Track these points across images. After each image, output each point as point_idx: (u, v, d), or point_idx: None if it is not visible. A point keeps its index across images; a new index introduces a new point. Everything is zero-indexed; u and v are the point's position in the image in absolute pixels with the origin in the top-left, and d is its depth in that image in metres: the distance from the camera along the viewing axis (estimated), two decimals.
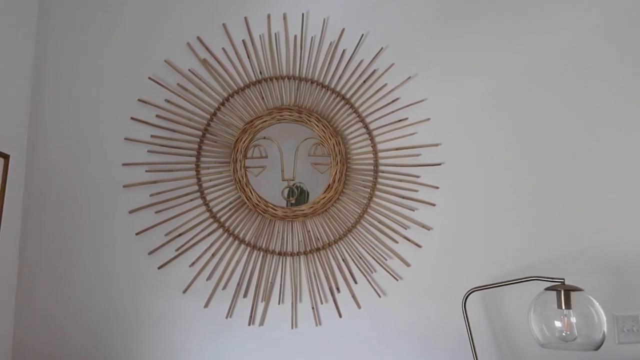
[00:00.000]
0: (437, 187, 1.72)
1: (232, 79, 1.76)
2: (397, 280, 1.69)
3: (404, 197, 1.71)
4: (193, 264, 1.69)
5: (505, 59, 1.78)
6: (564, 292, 1.45)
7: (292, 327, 1.67)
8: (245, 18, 1.79)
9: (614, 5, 1.79)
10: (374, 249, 1.70)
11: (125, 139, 1.75)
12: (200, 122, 1.74)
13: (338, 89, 1.76)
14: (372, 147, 1.73)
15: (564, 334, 1.45)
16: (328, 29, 1.79)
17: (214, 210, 1.72)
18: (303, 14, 1.79)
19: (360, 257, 1.70)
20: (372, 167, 1.73)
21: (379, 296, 1.68)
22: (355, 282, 1.69)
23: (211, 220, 1.71)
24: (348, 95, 1.75)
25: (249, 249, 1.71)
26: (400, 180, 1.72)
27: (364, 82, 1.75)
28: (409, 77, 1.76)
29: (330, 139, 1.71)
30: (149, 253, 1.69)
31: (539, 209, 1.71)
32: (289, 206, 1.71)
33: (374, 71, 1.76)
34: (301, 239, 1.71)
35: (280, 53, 1.78)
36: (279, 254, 1.70)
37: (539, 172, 1.72)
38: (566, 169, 1.72)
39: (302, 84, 1.76)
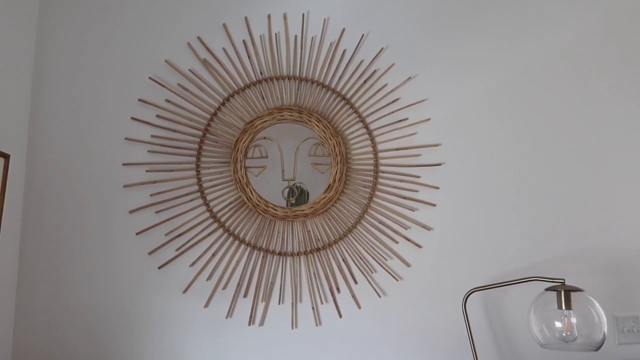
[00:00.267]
0: (438, 188, 1.72)
1: (233, 79, 1.76)
2: (397, 280, 1.69)
3: (404, 198, 1.71)
4: (193, 263, 1.69)
5: (506, 59, 1.78)
6: (564, 292, 1.45)
7: (292, 327, 1.67)
8: (246, 18, 1.79)
9: (614, 5, 1.79)
10: (374, 249, 1.70)
11: (126, 138, 1.75)
12: (201, 122, 1.74)
13: (338, 89, 1.76)
14: (372, 147, 1.73)
15: (564, 334, 1.44)
16: (328, 29, 1.79)
17: (214, 210, 1.72)
18: (303, 14, 1.79)
19: (361, 257, 1.70)
20: (372, 167, 1.73)
21: (379, 296, 1.68)
22: (356, 282, 1.69)
23: (211, 220, 1.71)
24: (348, 96, 1.75)
25: (249, 249, 1.71)
26: (401, 181, 1.72)
27: (365, 82, 1.75)
28: (409, 78, 1.76)
29: (330, 139, 1.71)
30: (149, 253, 1.69)
31: (539, 209, 1.71)
32: (289, 206, 1.70)
33: (375, 71, 1.76)
34: (301, 239, 1.71)
35: (281, 53, 1.78)
36: (279, 254, 1.70)
37: (539, 172, 1.72)
38: (566, 169, 1.72)
39: (302, 84, 1.76)
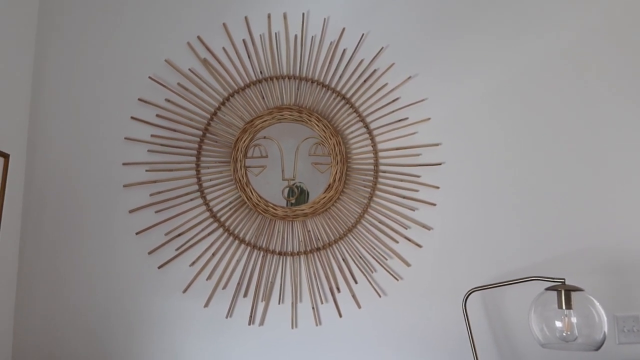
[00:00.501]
0: (438, 187, 1.72)
1: (233, 79, 1.76)
2: (397, 280, 1.68)
3: (404, 197, 1.71)
4: (193, 263, 1.69)
5: (506, 59, 1.78)
6: (565, 292, 1.45)
7: (292, 327, 1.67)
8: (246, 18, 1.79)
9: (614, 5, 1.79)
10: (374, 249, 1.70)
11: (126, 138, 1.75)
12: (201, 122, 1.74)
13: (338, 88, 1.75)
14: (372, 146, 1.73)
15: (564, 334, 1.44)
16: (328, 28, 1.79)
17: (214, 209, 1.72)
18: (303, 14, 1.79)
19: (361, 257, 1.70)
20: (372, 167, 1.73)
21: (379, 296, 1.68)
22: (356, 282, 1.69)
23: (211, 219, 1.71)
24: (348, 95, 1.75)
25: (249, 248, 1.71)
26: (401, 180, 1.72)
27: (365, 81, 1.75)
28: (409, 77, 1.76)
29: (330, 138, 1.71)
30: (149, 253, 1.69)
31: (539, 208, 1.70)
32: (289, 206, 1.70)
33: (374, 71, 1.76)
34: (301, 239, 1.71)
35: (281, 53, 1.78)
36: (279, 253, 1.70)
37: (539, 172, 1.72)
38: (566, 169, 1.72)
39: (302, 83, 1.76)
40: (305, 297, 1.68)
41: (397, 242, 1.70)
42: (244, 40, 1.78)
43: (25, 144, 1.75)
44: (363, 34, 1.78)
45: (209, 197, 1.72)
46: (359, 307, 1.68)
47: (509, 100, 1.76)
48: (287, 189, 1.71)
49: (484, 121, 1.75)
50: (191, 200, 1.71)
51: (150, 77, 1.76)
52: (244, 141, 1.72)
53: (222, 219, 1.71)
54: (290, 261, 1.70)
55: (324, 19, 1.79)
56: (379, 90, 1.75)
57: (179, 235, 1.70)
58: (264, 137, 1.73)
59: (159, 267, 1.69)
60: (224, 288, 1.68)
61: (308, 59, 1.77)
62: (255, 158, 1.72)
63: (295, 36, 1.78)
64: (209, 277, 1.69)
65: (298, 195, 1.72)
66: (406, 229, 1.70)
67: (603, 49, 1.77)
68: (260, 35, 1.79)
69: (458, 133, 1.74)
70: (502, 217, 1.70)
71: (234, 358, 1.65)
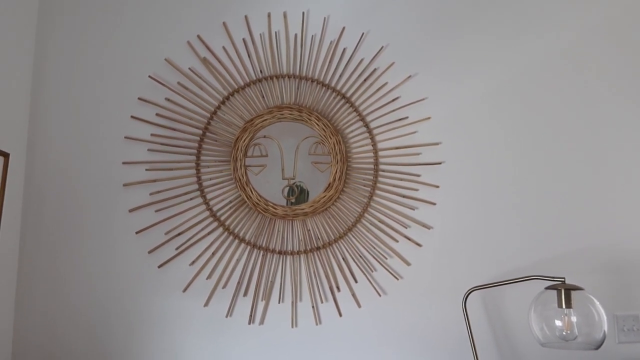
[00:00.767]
0: (438, 186, 1.72)
1: (233, 78, 1.76)
2: (397, 279, 1.68)
3: (404, 196, 1.71)
4: (193, 262, 1.69)
5: (506, 58, 1.78)
6: (565, 291, 1.45)
7: (292, 326, 1.67)
8: (246, 17, 1.79)
9: (614, 5, 1.79)
10: (374, 248, 1.70)
11: (126, 137, 1.74)
12: (201, 121, 1.74)
13: (338, 87, 1.76)
14: (372, 145, 1.73)
15: (564, 333, 1.44)
16: (328, 27, 1.79)
17: (214, 209, 1.72)
18: (303, 13, 1.79)
19: (361, 256, 1.70)
20: (372, 166, 1.73)
21: (379, 295, 1.68)
22: (356, 281, 1.68)
23: (211, 219, 1.71)
24: (348, 94, 1.75)
25: (249, 247, 1.70)
26: (401, 179, 1.72)
27: (364, 80, 1.75)
28: (409, 76, 1.76)
29: (330, 137, 1.71)
30: (149, 252, 1.69)
31: (539, 208, 1.70)
32: (289, 205, 1.70)
33: (374, 70, 1.76)
34: (301, 238, 1.71)
35: (281, 52, 1.78)
36: (279, 252, 1.70)
37: (539, 171, 1.72)
38: (566, 169, 1.72)
39: (302, 82, 1.76)
40: (305, 296, 1.68)
41: (397, 241, 1.70)
42: (244, 40, 1.78)
43: (25, 143, 1.75)
44: (363, 33, 1.78)
45: (208, 196, 1.72)
46: (359, 306, 1.67)
47: (509, 100, 1.76)
48: (287, 188, 1.71)
49: (484, 120, 1.75)
50: (191, 199, 1.71)
51: (150, 76, 1.76)
52: (244, 140, 1.72)
53: (222, 218, 1.71)
54: (290, 260, 1.70)
55: (324, 18, 1.79)
56: (379, 89, 1.75)
57: (179, 234, 1.70)
58: (264, 136, 1.73)
59: (158, 267, 1.69)
60: (224, 287, 1.68)
61: (308, 58, 1.77)
62: (255, 157, 1.72)
63: (295, 35, 1.78)
64: (209, 277, 1.68)
65: (298, 194, 1.71)
66: (406, 228, 1.70)
67: (603, 49, 1.77)
68: (260, 35, 1.79)
69: (458, 132, 1.74)
70: (502, 217, 1.70)
71: (234, 357, 1.65)
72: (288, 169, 1.72)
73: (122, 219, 1.71)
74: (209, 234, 1.70)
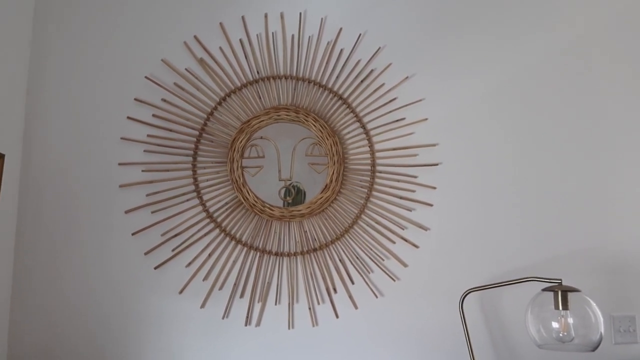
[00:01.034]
0: (435, 188, 1.71)
1: (229, 79, 1.76)
2: (394, 280, 1.68)
3: (401, 198, 1.71)
4: (189, 264, 1.69)
5: (503, 59, 1.77)
6: (561, 292, 1.45)
7: (289, 328, 1.67)
8: (243, 17, 1.79)
9: (614, 4, 1.79)
10: (371, 249, 1.69)
11: (122, 138, 1.74)
12: (197, 122, 1.74)
13: (335, 88, 1.75)
14: (369, 147, 1.73)
15: (561, 334, 1.44)
16: (325, 28, 1.78)
17: (211, 210, 1.71)
18: (300, 14, 1.78)
19: (357, 258, 1.69)
20: (369, 167, 1.73)
21: (376, 297, 1.68)
22: (352, 283, 1.68)
23: (208, 220, 1.70)
24: (345, 95, 1.75)
25: (245, 249, 1.70)
26: (398, 181, 1.72)
27: (362, 81, 1.75)
28: (407, 77, 1.76)
29: (327, 138, 1.71)
30: (145, 253, 1.69)
31: (536, 209, 1.71)
32: (286, 206, 1.70)
33: (372, 71, 1.76)
34: (298, 240, 1.70)
35: (278, 52, 1.77)
36: (276, 254, 1.70)
37: (536, 173, 1.72)
38: (564, 170, 1.72)
39: (299, 83, 1.76)
40: (301, 298, 1.68)
41: (394, 242, 1.69)
42: (240, 40, 1.77)
43: (20, 143, 1.74)
44: (360, 34, 1.77)
45: (205, 197, 1.72)
46: (356, 307, 1.67)
47: (506, 101, 1.76)
48: (284, 189, 1.71)
49: (481, 121, 1.75)
50: (187, 200, 1.71)
51: (146, 77, 1.75)
52: (241, 141, 1.71)
53: (219, 220, 1.71)
54: (287, 262, 1.70)
55: (321, 18, 1.78)
56: (376, 90, 1.75)
57: (176, 235, 1.69)
58: (261, 137, 1.73)
59: (155, 268, 1.68)
60: (220, 289, 1.68)
61: (305, 59, 1.76)
62: (252, 158, 1.72)
63: (292, 36, 1.77)
64: (205, 278, 1.68)
65: (295, 195, 1.71)
66: (403, 229, 1.70)
67: (602, 50, 1.78)
68: (257, 35, 1.78)
69: (455, 133, 1.74)
70: (499, 218, 1.70)
71: (230, 359, 1.65)
72: (285, 170, 1.71)
73: (118, 220, 1.70)
74: (205, 235, 1.70)
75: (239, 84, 1.75)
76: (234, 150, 1.71)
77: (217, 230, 1.70)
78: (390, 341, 1.66)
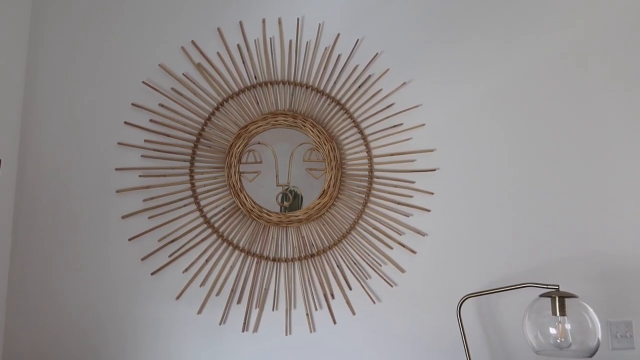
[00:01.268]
0: (432, 193, 1.72)
1: (227, 84, 1.76)
2: (391, 286, 1.68)
3: (398, 203, 1.71)
4: (186, 269, 1.68)
5: (501, 65, 1.78)
6: (559, 298, 1.45)
7: (287, 334, 1.66)
8: (240, 22, 1.79)
9: (612, 9, 1.80)
10: (369, 255, 1.69)
11: (119, 143, 1.73)
12: (195, 127, 1.73)
13: (333, 94, 1.75)
14: (367, 152, 1.73)
15: (558, 340, 1.45)
16: (323, 34, 1.78)
17: (208, 215, 1.71)
18: (298, 19, 1.79)
19: (355, 263, 1.69)
20: (367, 173, 1.73)
21: (374, 302, 1.67)
22: (350, 288, 1.68)
23: (205, 225, 1.70)
24: (343, 101, 1.75)
25: (243, 254, 1.70)
26: (395, 186, 1.72)
27: (359, 87, 1.75)
28: (404, 83, 1.76)
29: (325, 144, 1.71)
30: (142, 259, 1.68)
31: (534, 215, 1.71)
32: (283, 211, 1.70)
33: (369, 76, 1.76)
34: (295, 245, 1.70)
35: (275, 58, 1.77)
36: (273, 260, 1.69)
37: (534, 178, 1.73)
38: (561, 176, 1.73)
39: (297, 89, 1.76)
40: (299, 304, 1.67)
41: (391, 248, 1.69)
42: (238, 45, 1.77)
43: (17, 148, 1.74)
44: (358, 40, 1.78)
45: (202, 202, 1.71)
46: (353, 313, 1.67)
47: (504, 106, 1.77)
48: (281, 194, 1.71)
49: (479, 127, 1.75)
50: (185, 206, 1.70)
51: (144, 82, 1.75)
52: (238, 147, 1.71)
53: (216, 225, 1.70)
54: (285, 267, 1.69)
55: (319, 24, 1.79)
56: (373, 95, 1.75)
57: (173, 241, 1.68)
58: (258, 143, 1.72)
59: (152, 274, 1.68)
60: (217, 294, 1.67)
61: (303, 65, 1.76)
62: (249, 164, 1.72)
63: (290, 41, 1.78)
64: (202, 284, 1.67)
65: (292, 200, 1.71)
66: (400, 235, 1.70)
67: (601, 56, 1.79)
68: (255, 40, 1.78)
69: (453, 139, 1.74)
70: (497, 223, 1.71)
71: None
72: (282, 175, 1.71)
73: (115, 225, 1.70)
74: (202, 240, 1.69)
75: (236, 89, 1.75)
76: (232, 155, 1.70)
77: (214, 236, 1.70)
78: (387, 347, 1.65)
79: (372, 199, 1.72)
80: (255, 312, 1.67)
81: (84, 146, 1.74)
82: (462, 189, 1.72)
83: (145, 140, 1.73)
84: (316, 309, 1.67)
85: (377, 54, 1.77)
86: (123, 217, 1.70)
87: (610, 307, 1.67)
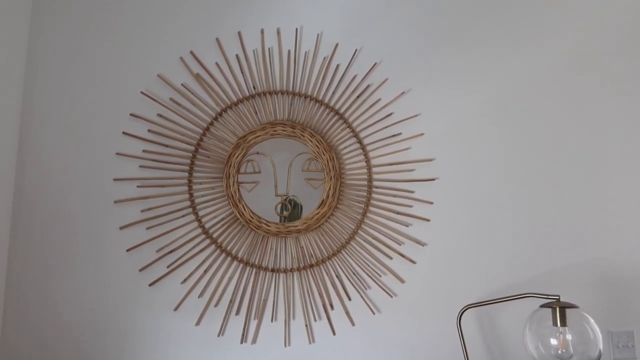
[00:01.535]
0: (432, 203, 1.71)
1: (226, 94, 1.75)
2: (391, 296, 1.67)
3: (398, 213, 1.70)
4: (185, 280, 1.67)
5: (500, 73, 1.78)
6: (559, 309, 1.44)
7: (285, 345, 1.65)
8: (239, 33, 1.79)
9: (610, 18, 1.80)
10: (368, 265, 1.68)
11: (117, 153, 1.73)
12: (193, 137, 1.73)
13: (332, 103, 1.75)
14: (366, 162, 1.73)
15: (559, 351, 1.43)
16: (322, 44, 1.78)
17: (206, 226, 1.70)
18: (297, 29, 1.79)
19: (354, 274, 1.68)
20: (366, 182, 1.72)
21: (373, 313, 1.66)
22: (349, 299, 1.67)
23: (203, 236, 1.69)
24: (342, 110, 1.75)
25: (241, 265, 1.69)
26: (395, 196, 1.71)
27: (358, 97, 1.75)
28: (403, 92, 1.76)
29: (324, 154, 1.70)
30: (140, 270, 1.67)
31: (534, 224, 1.70)
32: (282, 221, 1.69)
33: (368, 86, 1.76)
34: (294, 255, 1.69)
35: (274, 68, 1.77)
36: (272, 270, 1.68)
37: (533, 187, 1.72)
38: (561, 185, 1.72)
39: (295, 98, 1.75)
40: (298, 315, 1.66)
41: (391, 258, 1.68)
42: (237, 56, 1.77)
43: (15, 158, 1.73)
44: (356, 50, 1.78)
45: (201, 213, 1.70)
46: (353, 324, 1.66)
47: (503, 115, 1.76)
48: (280, 204, 1.70)
49: (478, 136, 1.75)
50: (183, 216, 1.69)
51: (142, 92, 1.75)
52: (237, 157, 1.70)
53: (215, 236, 1.69)
54: (283, 278, 1.68)
55: (317, 34, 1.79)
56: (372, 105, 1.75)
57: (171, 252, 1.67)
58: (257, 153, 1.72)
59: (149, 285, 1.66)
60: (215, 306, 1.66)
61: (301, 74, 1.76)
62: (248, 174, 1.71)
63: (289, 51, 1.78)
64: (200, 295, 1.66)
65: (292, 209, 1.70)
66: (400, 245, 1.69)
67: (599, 64, 1.78)
68: (254, 51, 1.78)
69: (452, 148, 1.74)
70: (497, 233, 1.70)
71: None
72: (281, 185, 1.70)
73: (113, 236, 1.69)
74: (201, 251, 1.68)
75: (235, 99, 1.75)
76: (230, 165, 1.70)
77: (212, 247, 1.69)
78: (387, 358, 1.64)
79: (371, 208, 1.71)
80: (254, 323, 1.66)
81: (82, 156, 1.73)
82: (462, 199, 1.72)
83: (144, 151, 1.72)
84: (315, 320, 1.66)
85: (375, 63, 1.77)
86: (121, 228, 1.69)
87: (611, 316, 1.66)
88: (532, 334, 1.48)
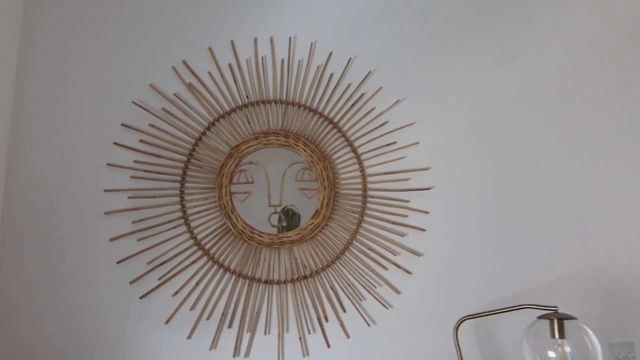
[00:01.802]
0: (427, 212, 1.69)
1: (218, 103, 1.74)
2: (386, 308, 1.64)
3: (393, 223, 1.68)
4: (176, 293, 1.64)
5: (494, 83, 1.77)
6: (557, 320, 1.42)
7: (279, 359, 1.62)
8: (232, 42, 1.78)
9: (604, 29, 1.80)
10: (363, 276, 1.66)
11: (108, 164, 1.71)
12: (185, 147, 1.71)
13: (326, 112, 1.73)
14: (360, 171, 1.71)
15: None
16: (315, 52, 1.77)
17: (199, 237, 1.67)
18: (290, 38, 1.78)
19: (349, 285, 1.65)
20: (360, 192, 1.70)
21: (368, 325, 1.63)
22: (344, 311, 1.64)
23: (195, 247, 1.67)
24: (336, 119, 1.73)
25: (234, 277, 1.66)
26: (390, 205, 1.69)
27: (352, 105, 1.73)
28: (398, 101, 1.75)
29: (317, 163, 1.68)
30: (131, 282, 1.64)
31: (531, 234, 1.68)
32: (280, 231, 1.66)
33: (362, 95, 1.74)
34: (288, 267, 1.66)
35: (267, 77, 1.76)
36: (265, 282, 1.65)
37: (530, 197, 1.70)
38: (558, 194, 1.70)
39: (289, 107, 1.74)
40: (292, 327, 1.63)
41: (386, 269, 1.66)
42: (229, 65, 1.76)
43: (4, 168, 1.71)
44: (350, 58, 1.77)
45: (193, 224, 1.68)
46: (348, 336, 1.63)
47: (499, 124, 1.75)
48: (275, 215, 1.67)
49: (474, 145, 1.73)
50: (175, 227, 1.67)
51: (133, 102, 1.73)
52: (230, 167, 1.68)
53: (207, 247, 1.67)
54: (277, 290, 1.65)
55: (311, 43, 1.78)
56: (366, 114, 1.73)
57: (162, 264, 1.65)
58: (250, 163, 1.70)
59: (140, 297, 1.64)
60: (208, 318, 1.63)
61: (295, 83, 1.75)
62: (240, 184, 1.69)
63: (282, 60, 1.76)
64: (192, 307, 1.63)
65: (290, 219, 1.68)
66: (395, 255, 1.67)
67: (592, 73, 1.77)
68: (247, 60, 1.77)
69: (447, 157, 1.72)
70: (493, 243, 1.68)
71: None
72: (274, 195, 1.68)
73: (103, 248, 1.66)
74: (192, 263, 1.66)
75: (227, 109, 1.73)
76: (223, 175, 1.68)
77: (204, 258, 1.67)
78: None
79: (366, 218, 1.69)
80: (246, 337, 1.63)
81: (72, 167, 1.71)
82: (458, 208, 1.69)
83: (135, 161, 1.70)
84: (309, 333, 1.63)
85: (369, 72, 1.76)
86: (111, 240, 1.66)
87: (611, 327, 1.64)
88: (530, 347, 1.45)
